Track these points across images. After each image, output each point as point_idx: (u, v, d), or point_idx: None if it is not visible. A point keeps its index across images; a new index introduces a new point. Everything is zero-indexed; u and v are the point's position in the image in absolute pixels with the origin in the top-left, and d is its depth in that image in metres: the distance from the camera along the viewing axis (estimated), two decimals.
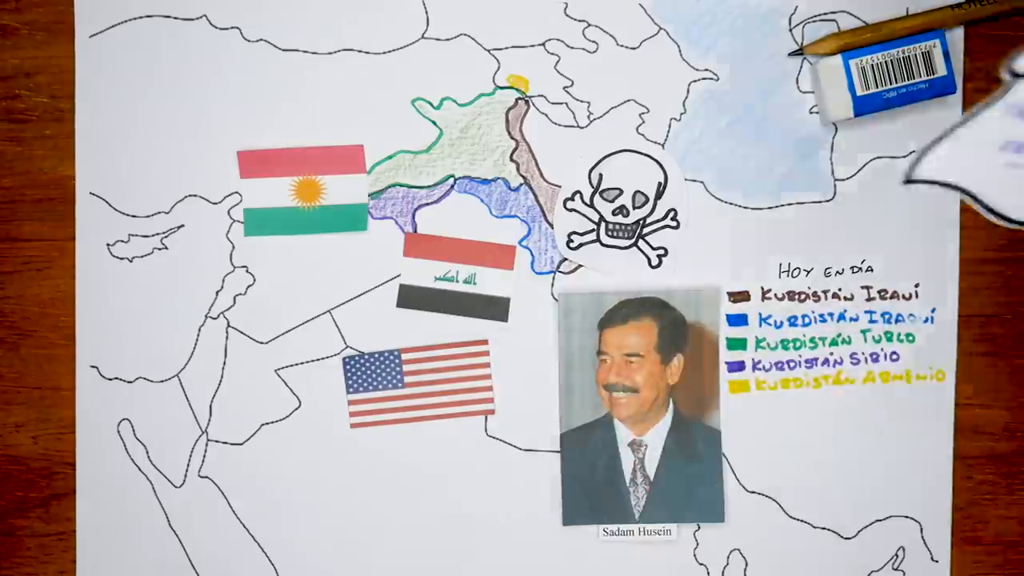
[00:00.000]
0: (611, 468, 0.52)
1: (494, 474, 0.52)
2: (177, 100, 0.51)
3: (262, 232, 0.52)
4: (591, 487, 0.52)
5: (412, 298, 0.52)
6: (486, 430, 0.52)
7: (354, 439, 0.52)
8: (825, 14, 0.51)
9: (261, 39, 0.51)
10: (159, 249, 0.52)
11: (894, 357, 0.52)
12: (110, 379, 0.52)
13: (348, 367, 0.52)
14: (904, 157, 0.51)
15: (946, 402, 0.52)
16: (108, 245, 0.52)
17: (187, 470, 0.52)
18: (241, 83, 0.51)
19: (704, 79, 0.51)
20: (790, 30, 0.51)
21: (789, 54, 0.51)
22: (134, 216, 0.52)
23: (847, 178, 0.51)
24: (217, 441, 0.52)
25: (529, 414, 0.52)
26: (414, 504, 0.52)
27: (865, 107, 0.49)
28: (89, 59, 0.51)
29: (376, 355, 0.52)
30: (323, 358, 0.52)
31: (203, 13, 0.51)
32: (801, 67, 0.51)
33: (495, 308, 0.52)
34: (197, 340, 0.52)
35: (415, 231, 0.52)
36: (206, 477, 0.52)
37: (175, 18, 0.51)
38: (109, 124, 0.51)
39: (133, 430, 0.52)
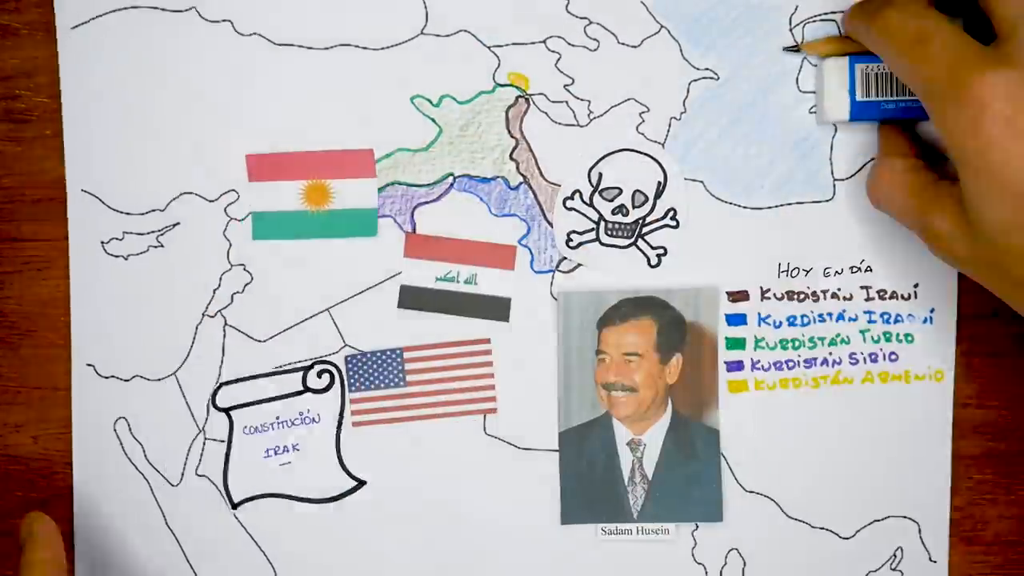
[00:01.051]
0: (609, 467, 0.52)
1: (492, 473, 0.52)
2: (168, 95, 0.51)
3: (270, 236, 0.51)
4: (589, 486, 0.52)
5: (413, 299, 0.52)
6: (485, 429, 0.52)
7: (353, 437, 0.52)
8: (825, 14, 0.50)
9: (255, 33, 0.51)
10: (155, 247, 0.51)
11: (893, 357, 0.52)
12: (106, 377, 0.52)
13: (350, 366, 0.52)
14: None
15: (945, 402, 0.52)
16: (103, 243, 0.51)
17: (184, 469, 0.52)
18: (234, 78, 0.51)
19: (704, 78, 0.51)
20: (791, 29, 0.51)
21: (784, 49, 0.51)
22: (128, 214, 0.51)
23: (847, 178, 0.51)
24: (215, 439, 0.52)
25: (527, 413, 0.52)
26: (412, 503, 0.52)
27: (862, 114, 0.49)
28: (72, 51, 0.51)
29: (378, 353, 0.52)
30: (322, 357, 0.52)
31: (192, 5, 0.51)
32: (801, 66, 0.51)
33: (496, 308, 0.51)
34: (195, 338, 0.52)
35: (414, 229, 0.51)
36: (203, 476, 0.52)
37: (163, 9, 0.51)
38: (99, 119, 0.51)
39: (130, 429, 0.52)
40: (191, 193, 0.51)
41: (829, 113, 0.49)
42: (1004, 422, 0.53)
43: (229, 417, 0.52)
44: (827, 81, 0.49)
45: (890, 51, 0.44)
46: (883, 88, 0.49)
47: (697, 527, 0.52)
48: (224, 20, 0.51)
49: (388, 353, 0.52)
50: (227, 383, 0.52)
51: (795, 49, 0.50)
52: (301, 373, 0.52)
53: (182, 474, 0.52)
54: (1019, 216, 0.40)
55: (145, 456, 0.52)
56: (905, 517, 0.52)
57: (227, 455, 0.52)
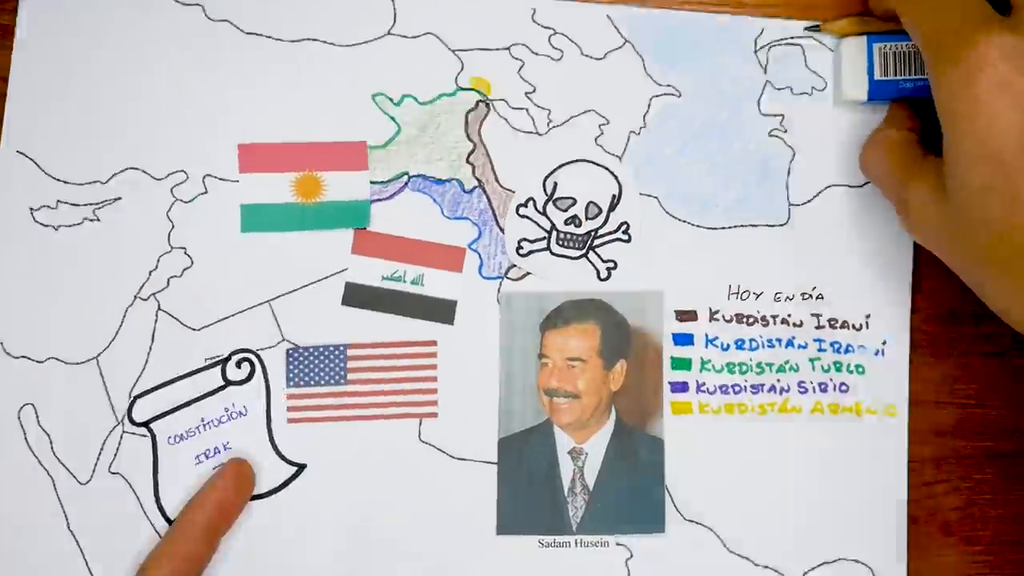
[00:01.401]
0: (550, 476, 0.49)
1: (428, 479, 0.50)
2: (128, 69, 0.50)
3: (259, 228, 0.50)
4: (528, 495, 0.49)
5: (358, 296, 0.50)
6: (420, 435, 0.50)
7: (283, 436, 0.50)
8: (791, 39, 0.51)
9: (224, 19, 0.51)
10: (90, 220, 0.50)
11: (843, 388, 0.50)
12: (16, 357, 0.49)
13: (290, 360, 0.50)
14: (861, 187, 0.51)
15: (899, 441, 0.50)
16: (31, 209, 0.50)
17: (96, 464, 0.49)
18: (199, 60, 0.50)
19: (666, 95, 0.51)
20: (755, 52, 0.51)
21: (804, 28, 0.51)
22: (65, 182, 0.50)
23: (803, 203, 0.51)
24: (134, 433, 0.49)
25: (467, 419, 0.50)
26: (344, 509, 0.50)
27: (879, 93, 0.49)
28: (31, 11, 0.50)
29: (321, 349, 0.50)
30: (257, 350, 0.50)
31: None
32: (764, 89, 0.51)
33: (442, 311, 0.50)
34: (123, 321, 0.50)
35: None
36: (117, 473, 0.49)
37: None
38: (49, 82, 0.50)
39: (37, 417, 0.49)
40: (137, 169, 0.50)
41: (847, 92, 0.49)
42: (1004, 422, 0.51)
43: (151, 431, 0.49)
44: (845, 61, 0.49)
45: (907, 3, 0.44)
46: (901, 67, 0.49)
47: (637, 541, 0.49)
48: (196, 4, 0.51)
49: (331, 349, 0.50)
50: (142, 394, 0.49)
51: (815, 28, 0.51)
52: (220, 367, 0.50)
53: (93, 470, 0.49)
54: (996, 180, 0.40)
55: (51, 449, 0.49)
56: (857, 561, 0.50)
57: (155, 471, 0.49)
